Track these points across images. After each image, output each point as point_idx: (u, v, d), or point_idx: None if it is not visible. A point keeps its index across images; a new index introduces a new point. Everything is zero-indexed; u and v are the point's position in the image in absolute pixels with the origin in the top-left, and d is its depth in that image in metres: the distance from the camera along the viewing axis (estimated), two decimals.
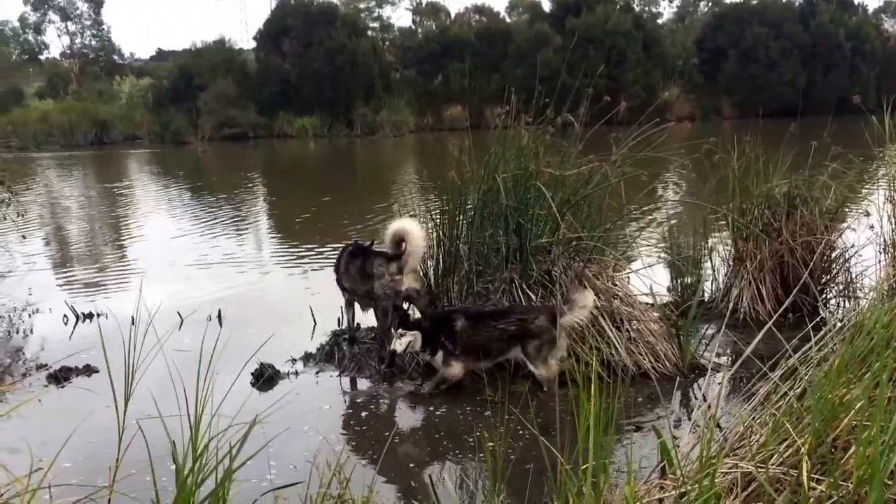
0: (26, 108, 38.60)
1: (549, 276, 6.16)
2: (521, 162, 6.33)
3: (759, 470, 2.47)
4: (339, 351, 6.42)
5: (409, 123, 36.21)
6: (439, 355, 5.63)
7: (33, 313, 8.07)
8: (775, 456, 2.56)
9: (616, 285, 6.22)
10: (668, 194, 14.46)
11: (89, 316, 7.77)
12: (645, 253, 7.34)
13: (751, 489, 2.61)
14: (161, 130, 35.53)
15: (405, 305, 6.29)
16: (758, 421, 2.90)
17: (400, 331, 5.66)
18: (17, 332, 7.54)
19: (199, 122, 35.40)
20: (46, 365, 6.33)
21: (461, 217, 6.61)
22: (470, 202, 6.53)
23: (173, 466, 2.74)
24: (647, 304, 6.41)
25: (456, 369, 5.61)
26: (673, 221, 10.79)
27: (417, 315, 5.77)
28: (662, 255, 8.16)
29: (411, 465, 4.58)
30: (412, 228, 6.07)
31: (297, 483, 3.29)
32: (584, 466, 2.79)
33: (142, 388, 2.95)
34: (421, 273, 6.41)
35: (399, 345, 5.64)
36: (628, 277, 6.54)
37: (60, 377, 6.05)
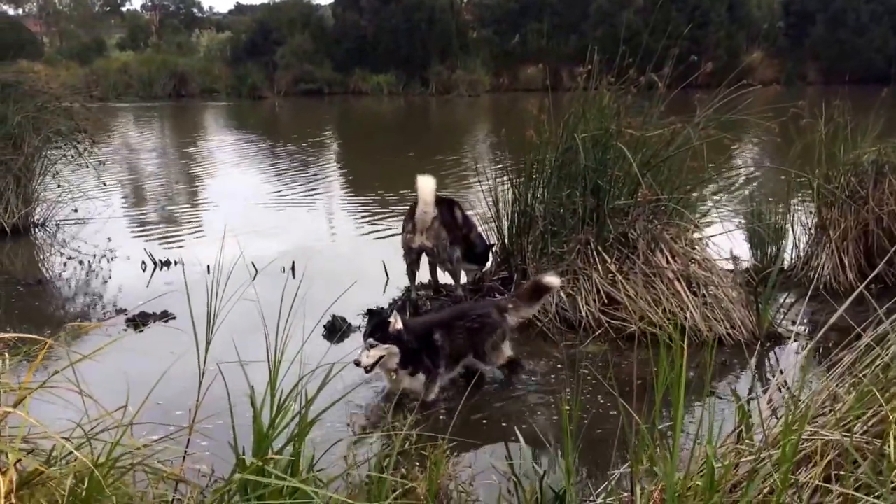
0: (107, 59, 39.22)
1: (626, 238, 6.10)
2: (602, 122, 6.24)
3: (844, 437, 2.42)
4: (410, 305, 6.48)
5: (485, 83, 35.85)
6: (420, 377, 4.73)
7: (112, 260, 8.33)
8: (859, 424, 2.51)
9: (694, 249, 6.12)
10: (750, 159, 14.14)
11: (166, 264, 7.97)
12: (725, 217, 7.19)
13: (830, 457, 2.56)
14: (237, 84, 35.70)
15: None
16: (842, 389, 2.84)
17: (370, 340, 4.55)
18: (97, 278, 7.80)
19: (276, 76, 35.64)
20: (125, 310, 6.53)
21: (537, 176, 6.57)
22: (547, 162, 6.48)
23: (250, 413, 2.81)
24: (725, 269, 6.30)
25: (435, 392, 4.80)
26: (755, 186, 10.55)
27: (400, 325, 4.63)
28: (743, 220, 7.98)
29: (484, 420, 4.62)
30: (422, 185, 6.12)
31: (373, 433, 3.37)
32: (660, 427, 2.79)
33: (220, 336, 3.02)
34: (439, 232, 6.33)
35: (366, 358, 4.50)
36: (707, 242, 6.43)
37: (139, 322, 6.25)
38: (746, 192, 9.73)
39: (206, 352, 2.98)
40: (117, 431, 2.55)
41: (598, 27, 34.47)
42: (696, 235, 6.39)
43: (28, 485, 2.24)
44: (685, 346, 2.77)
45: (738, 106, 6.33)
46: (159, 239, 9.46)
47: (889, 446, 2.27)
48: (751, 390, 4.72)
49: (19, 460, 2.19)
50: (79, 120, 10.21)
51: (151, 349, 5.45)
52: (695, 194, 6.54)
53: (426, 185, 6.12)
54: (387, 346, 4.52)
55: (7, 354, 2.51)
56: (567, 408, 3.00)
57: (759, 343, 5.62)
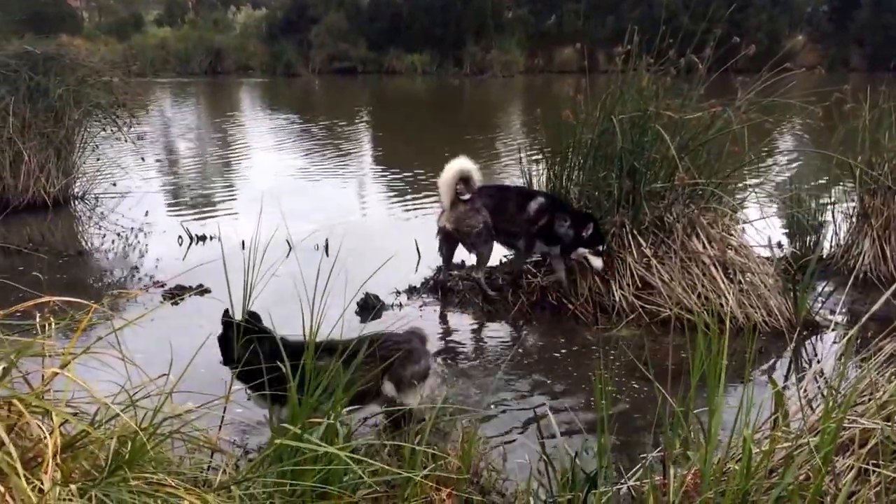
0: (145, 35, 39.57)
1: (662, 222, 6.04)
2: (640, 104, 6.17)
3: (885, 425, 2.39)
4: (442, 285, 6.48)
5: (519, 64, 35.64)
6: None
7: (148, 234, 8.40)
8: None
9: (731, 235, 6.05)
10: (791, 144, 13.93)
11: (202, 238, 8.05)
12: (764, 203, 7.10)
13: (869, 446, 2.52)
14: (272, 61, 35.83)
15: None
16: (882, 378, 2.80)
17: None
18: (134, 251, 7.87)
19: (310, 54, 35.69)
20: (162, 282, 6.60)
21: (573, 158, 6.53)
22: (583, 143, 6.43)
23: None
24: (762, 256, 6.22)
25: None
26: (795, 172, 10.40)
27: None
28: (782, 206, 7.87)
29: (515, 398, 4.62)
30: (445, 168, 6.11)
31: (406, 407, 3.38)
32: (696, 411, 2.77)
33: (255, 309, 3.05)
34: (463, 217, 6.21)
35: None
36: (744, 227, 6.35)
37: (176, 294, 6.31)
38: (786, 177, 9.59)
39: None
40: (159, 398, 2.59)
41: (636, 8, 34.04)
42: (734, 221, 6.32)
43: (72, 447, 2.28)
44: (725, 331, 2.74)
45: (780, 90, 6.22)
46: (195, 214, 9.54)
47: None
48: (787, 378, 4.66)
49: (64, 422, 2.23)
50: (118, 94, 10.29)
51: (188, 321, 5.51)
52: (733, 179, 6.44)
53: (447, 170, 6.10)
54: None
55: (53, 319, 2.54)
56: (600, 387, 2.99)
57: (797, 331, 5.55)
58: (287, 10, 38.82)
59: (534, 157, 9.00)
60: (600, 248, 5.91)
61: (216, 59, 36.04)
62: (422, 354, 3.90)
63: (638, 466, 3.12)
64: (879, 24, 36.90)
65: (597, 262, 5.90)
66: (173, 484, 2.22)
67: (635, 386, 4.69)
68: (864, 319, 3.36)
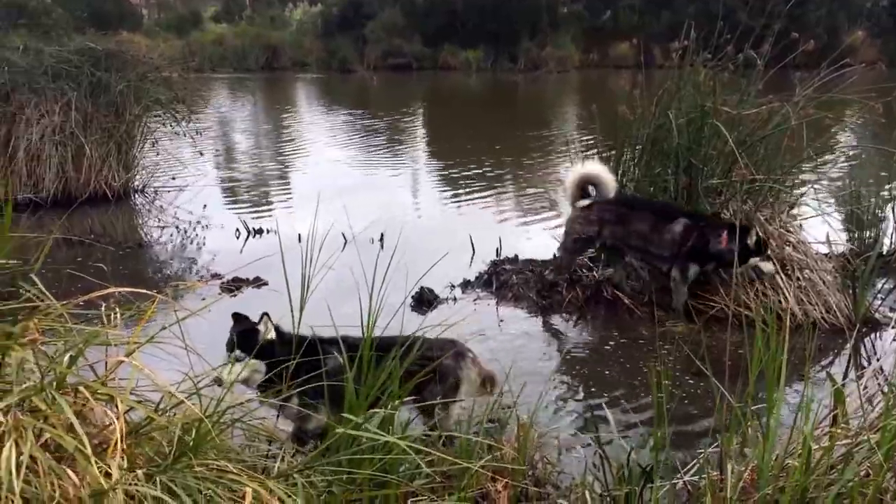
0: (203, 32, 40.16)
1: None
2: (696, 100, 6.13)
3: None
4: (497, 279, 6.52)
5: (574, 60, 35.41)
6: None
7: (206, 227, 8.55)
8: None
9: (789, 231, 5.98)
10: (850, 140, 13.64)
11: (259, 232, 8.19)
12: (822, 199, 6.99)
13: None
14: (328, 58, 36.08)
15: None
16: None
17: (236, 353, 3.43)
18: (192, 244, 8.04)
19: (365, 50, 35.87)
20: (220, 275, 6.73)
21: (628, 154, 6.50)
22: (639, 139, 6.41)
23: None
24: (820, 252, 6.14)
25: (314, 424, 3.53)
26: (854, 168, 10.20)
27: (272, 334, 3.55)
28: (841, 202, 7.73)
29: (570, 391, 4.64)
30: (572, 169, 6.11)
31: (460, 400, 3.42)
32: (755, 407, 2.76)
33: (312, 302, 3.11)
34: (572, 222, 6.19)
35: (227, 374, 3.31)
36: (801, 224, 6.27)
37: (233, 287, 6.43)
38: (845, 174, 9.42)
39: (301, 316, 3.07)
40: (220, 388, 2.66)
41: (692, 3, 33.61)
42: (792, 217, 6.24)
43: (135, 434, 2.35)
44: (784, 328, 2.73)
45: (840, 85, 6.13)
46: (251, 208, 9.71)
47: None
48: (846, 375, 4.60)
49: (130, 409, 2.30)
50: (177, 90, 10.47)
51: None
52: (791, 175, 6.35)
53: (572, 172, 6.12)
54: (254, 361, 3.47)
55: (118, 309, 2.62)
56: (655, 381, 3.00)
57: (856, 328, 5.46)
58: (342, 7, 39.04)
59: (588, 153, 8.96)
60: (768, 252, 5.60)
61: (272, 56, 36.39)
62: (450, 372, 3.65)
63: (694, 462, 3.11)
64: None
65: (768, 267, 5.60)
66: (235, 471, 2.28)
67: (690, 382, 4.67)
68: None
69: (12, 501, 1.76)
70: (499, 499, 2.73)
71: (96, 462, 2.02)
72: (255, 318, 3.54)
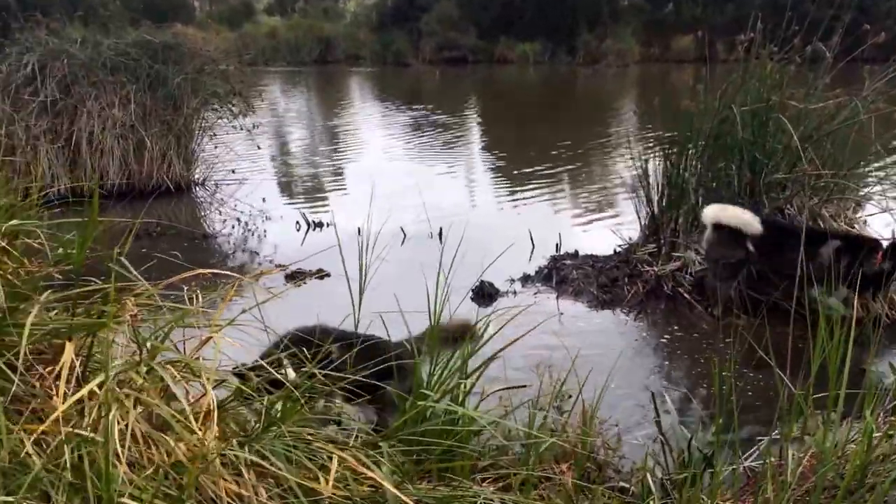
0: (256, 24, 40.49)
1: (782, 213, 5.99)
2: (762, 93, 6.12)
3: None
4: (556, 274, 6.59)
5: (634, 53, 35.02)
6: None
7: (266, 219, 8.75)
8: None
9: (854, 228, 5.94)
10: None
11: (319, 224, 8.38)
12: (889, 196, 6.91)
13: None
14: (382, 51, 36.14)
15: None
16: None
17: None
18: (254, 236, 8.24)
19: (420, 43, 35.84)
20: (283, 265, 6.91)
21: (692, 148, 6.52)
22: (701, 133, 6.42)
23: None
24: None
25: None
26: None
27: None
28: None
29: (632, 381, 4.71)
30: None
31: (524, 385, 3.52)
32: (815, 396, 2.81)
33: (375, 293, 3.24)
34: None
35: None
36: (867, 220, 6.22)
37: (297, 277, 6.60)
38: None
39: (360, 305, 3.21)
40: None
41: None
42: (857, 214, 6.20)
43: (223, 408, 2.51)
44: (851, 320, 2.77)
45: None
46: (310, 201, 9.94)
47: None
48: None
49: (220, 383, 2.45)
50: (234, 83, 10.62)
51: (309, 300, 5.79)
52: (858, 170, 6.30)
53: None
54: None
55: (200, 292, 2.76)
56: (716, 371, 3.06)
57: None
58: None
59: (648, 146, 8.98)
60: None
61: (326, 49, 36.57)
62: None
63: (755, 448, 3.18)
64: None
65: None
66: (321, 441, 2.42)
67: (751, 375, 4.71)
68: None
69: (117, 466, 1.90)
70: (563, 479, 2.82)
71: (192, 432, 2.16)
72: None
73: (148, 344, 2.34)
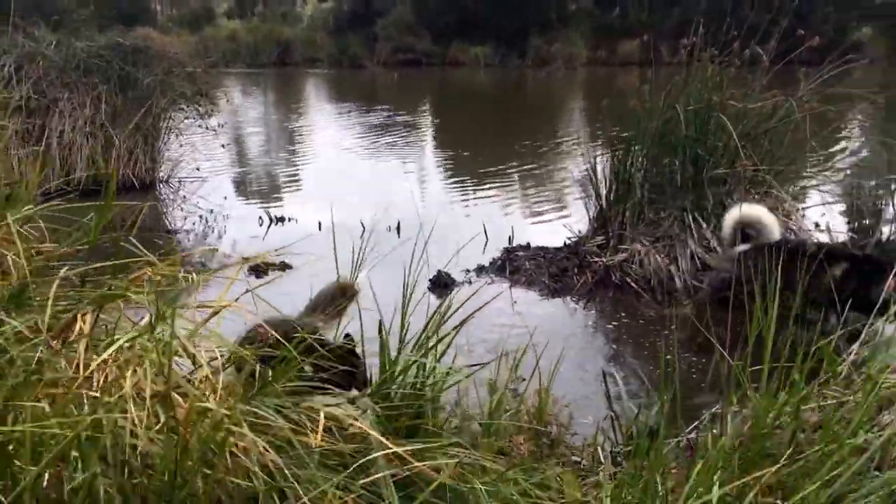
0: (216, 27, 40.49)
1: (723, 207, 6.27)
2: (703, 94, 6.40)
3: None
4: (510, 264, 6.80)
5: (582, 56, 35.54)
6: None
7: (228, 216, 8.86)
8: None
9: (790, 220, 6.25)
10: (854, 133, 13.89)
11: (281, 220, 8.50)
12: (824, 191, 7.27)
13: None
14: (339, 54, 36.40)
15: None
16: None
17: None
18: (217, 231, 8.34)
19: (376, 47, 36.13)
20: (247, 258, 7.00)
21: (637, 145, 6.78)
22: (647, 131, 6.68)
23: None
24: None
25: None
26: (856, 160, 10.45)
27: None
28: (841, 193, 8.01)
29: (582, 364, 4.92)
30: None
31: (482, 364, 3.70)
32: (754, 369, 3.03)
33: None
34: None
35: None
36: (804, 213, 6.54)
37: (260, 271, 6.72)
38: (848, 166, 9.68)
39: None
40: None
41: (701, 0, 33.75)
42: (794, 207, 6.51)
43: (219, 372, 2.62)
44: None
45: (843, 80, 6.39)
46: (271, 197, 10.07)
47: None
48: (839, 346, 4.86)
49: (214, 360, 2.57)
50: (200, 84, 10.81)
51: (279, 293, 5.90)
52: (794, 167, 6.62)
53: (728, 215, 5.62)
54: None
55: (195, 274, 2.87)
56: (662, 354, 3.28)
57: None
58: (354, 3, 39.35)
59: (597, 145, 9.25)
60: None
61: (284, 51, 36.70)
62: None
63: (696, 423, 3.40)
64: None
65: None
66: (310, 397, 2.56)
67: (694, 359, 4.95)
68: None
69: (134, 423, 2.03)
70: (520, 449, 3.02)
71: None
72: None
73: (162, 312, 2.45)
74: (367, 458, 2.22)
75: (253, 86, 27.41)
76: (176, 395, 2.12)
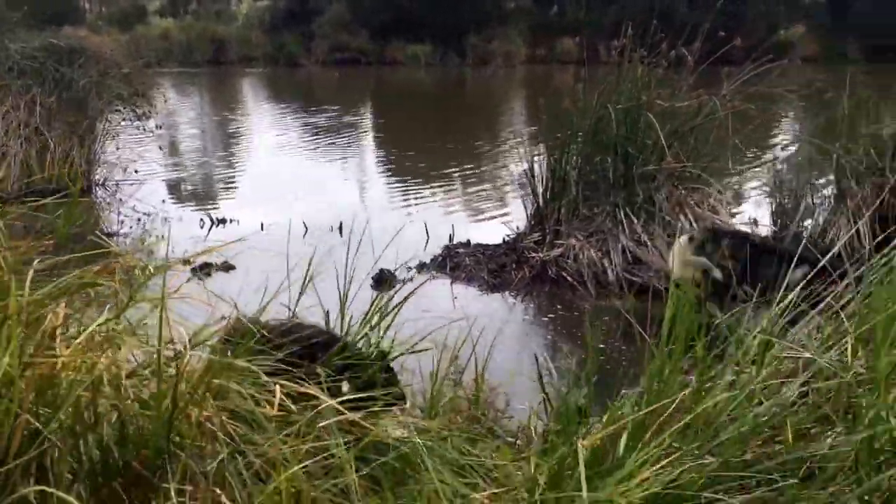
0: (148, 26, 39.63)
1: (652, 202, 6.57)
2: (634, 94, 6.68)
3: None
4: (450, 261, 7.01)
5: (521, 54, 35.91)
6: None
7: (168, 218, 8.84)
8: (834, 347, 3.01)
9: (717, 214, 6.57)
10: (778, 131, 14.40)
11: (222, 221, 8.55)
12: (750, 186, 7.60)
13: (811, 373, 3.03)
14: (275, 52, 36.05)
15: None
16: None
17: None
18: (158, 233, 8.29)
19: (313, 45, 35.93)
20: (189, 260, 7.07)
21: (572, 144, 7.03)
22: (581, 130, 6.94)
23: None
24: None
25: None
26: (781, 157, 10.89)
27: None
28: (765, 188, 8.37)
29: (517, 353, 5.15)
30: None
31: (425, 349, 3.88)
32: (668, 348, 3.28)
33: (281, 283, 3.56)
34: None
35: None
36: (728, 207, 6.87)
37: (203, 271, 6.76)
38: (772, 162, 10.08)
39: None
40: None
41: None
42: (719, 202, 6.82)
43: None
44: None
45: (768, 79, 6.71)
46: (211, 199, 10.16)
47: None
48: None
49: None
50: (136, 85, 10.68)
51: (220, 294, 6.00)
52: (718, 164, 6.95)
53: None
54: None
55: (139, 272, 2.99)
56: (589, 340, 3.51)
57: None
58: (289, 2, 39.02)
59: (534, 144, 9.49)
60: None
61: (219, 50, 36.07)
62: None
63: (622, 401, 3.64)
64: (878, 15, 37.10)
65: None
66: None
67: (624, 348, 5.22)
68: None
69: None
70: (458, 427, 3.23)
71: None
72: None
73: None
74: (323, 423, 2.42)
75: (188, 85, 27.07)
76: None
